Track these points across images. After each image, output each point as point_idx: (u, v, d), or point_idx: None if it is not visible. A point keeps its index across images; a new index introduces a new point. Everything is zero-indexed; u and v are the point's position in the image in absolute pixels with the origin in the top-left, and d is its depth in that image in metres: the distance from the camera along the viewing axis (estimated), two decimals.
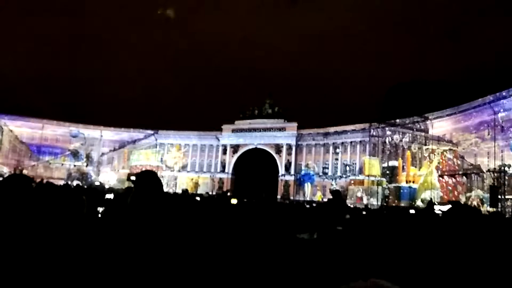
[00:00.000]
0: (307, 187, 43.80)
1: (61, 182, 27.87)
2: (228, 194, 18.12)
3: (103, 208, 4.62)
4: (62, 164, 46.02)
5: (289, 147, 46.83)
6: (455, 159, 32.05)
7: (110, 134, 49.75)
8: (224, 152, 49.76)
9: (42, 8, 54.69)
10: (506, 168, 26.60)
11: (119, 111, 56.87)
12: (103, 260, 2.18)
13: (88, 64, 57.69)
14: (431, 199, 22.44)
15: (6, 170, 38.63)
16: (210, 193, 37.13)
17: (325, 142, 44.82)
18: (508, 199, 24.69)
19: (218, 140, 50.16)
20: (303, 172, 44.94)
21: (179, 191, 26.85)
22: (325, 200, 37.18)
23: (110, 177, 44.64)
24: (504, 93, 29.98)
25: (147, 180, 3.61)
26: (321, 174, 44.04)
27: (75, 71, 58.05)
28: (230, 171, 49.09)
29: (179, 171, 49.82)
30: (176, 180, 48.49)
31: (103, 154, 49.14)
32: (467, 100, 34.23)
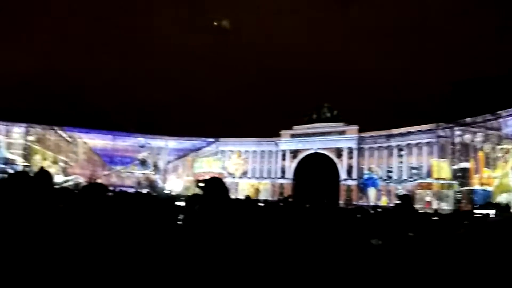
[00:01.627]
0: (371, 191, 42.47)
1: (131, 190, 29.49)
2: (289, 200, 18.09)
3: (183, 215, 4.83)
4: (132, 173, 48.83)
5: (350, 150, 45.75)
6: None
7: (174, 143, 51.84)
8: (284, 157, 49.80)
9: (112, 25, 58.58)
10: None
11: (181, 121, 59.14)
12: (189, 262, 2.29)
13: (149, 76, 60.72)
14: (507, 203, 20.74)
15: (82, 180, 41.74)
16: (271, 198, 37.35)
17: (388, 145, 43.20)
18: None
19: (277, 146, 50.31)
20: (366, 176, 43.63)
21: (240, 197, 27.26)
22: (391, 205, 35.78)
23: (176, 184, 46.58)
24: None
25: (215, 185, 3.73)
26: (385, 178, 42.48)
27: (138, 84, 61.35)
28: (290, 177, 48.97)
29: (240, 177, 50.66)
30: (237, 187, 49.35)
31: (168, 162, 51.33)
32: None
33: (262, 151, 51.60)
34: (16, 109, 44.42)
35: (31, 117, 44.60)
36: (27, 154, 44.22)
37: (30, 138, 44.87)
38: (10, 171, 34.71)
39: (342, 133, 46.55)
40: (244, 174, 51.00)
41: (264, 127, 55.30)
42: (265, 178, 50.33)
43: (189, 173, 49.69)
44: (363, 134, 45.36)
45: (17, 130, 44.74)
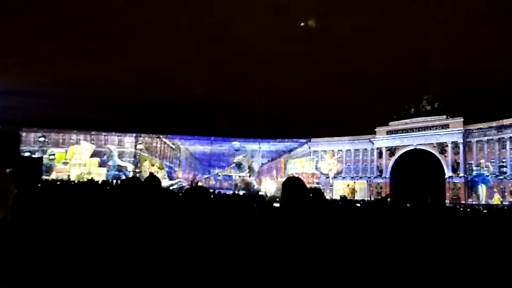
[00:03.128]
0: (481, 189, 38.62)
1: (229, 192, 30.84)
2: (388, 199, 17.30)
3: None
4: (229, 176, 51.05)
5: (455, 145, 42.12)
6: None
7: (267, 146, 52.93)
8: (380, 155, 47.72)
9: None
10: None
11: (273, 123, 60.09)
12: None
13: (239, 81, 62.76)
14: None
15: (185, 183, 44.78)
16: (368, 198, 36.06)
17: (499, 137, 38.90)
18: None
19: (372, 143, 48.41)
20: (475, 173, 39.80)
21: (336, 197, 26.83)
22: (506, 203, 32.09)
23: (270, 185, 47.49)
24: None
25: (292, 185, 3.74)
26: (497, 174, 38.27)
27: (229, 90, 63.79)
28: (388, 175, 46.73)
29: (334, 177, 49.81)
30: (332, 187, 48.58)
31: (262, 164, 52.57)
32: None
33: (357, 149, 50.11)
34: (125, 121, 49.50)
35: (139, 127, 49.31)
36: (137, 161, 48.79)
37: (139, 146, 49.46)
38: (123, 177, 38.75)
39: (445, 126, 43.07)
40: (339, 173, 50.01)
41: (358, 125, 53.57)
42: (361, 177, 48.76)
43: (282, 175, 50.27)
44: (469, 127, 41.48)
45: (128, 140, 49.65)
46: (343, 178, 49.57)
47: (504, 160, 38.33)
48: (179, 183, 45.67)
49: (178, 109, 58.39)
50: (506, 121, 38.39)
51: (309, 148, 51.99)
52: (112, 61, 53.32)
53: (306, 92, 63.41)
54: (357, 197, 41.24)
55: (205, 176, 51.00)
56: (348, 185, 48.26)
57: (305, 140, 52.23)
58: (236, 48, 58.34)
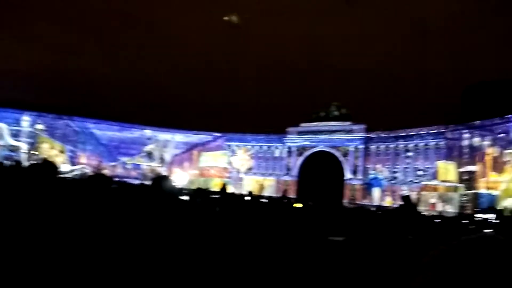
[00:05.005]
0: (376, 192, 42.38)
1: (136, 182, 29.75)
2: (287, 197, 18.16)
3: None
4: (138, 165, 49.16)
5: (357, 150, 45.61)
6: None
7: (181, 137, 52.05)
8: (289, 154, 49.79)
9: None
10: None
11: (189, 114, 59.24)
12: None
13: (156, 67, 60.76)
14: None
15: (88, 170, 42.13)
16: (275, 195, 37.43)
17: (395, 145, 43.00)
18: None
19: (284, 143, 50.29)
20: (371, 177, 43.53)
21: (245, 192, 27.37)
22: (395, 205, 35.67)
23: (181, 178, 46.83)
24: None
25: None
26: (390, 179, 42.34)
27: (143, 75, 61.37)
28: (295, 174, 48.98)
29: (245, 173, 50.77)
30: (243, 182, 49.48)
31: (175, 155, 51.59)
32: None
33: (269, 147, 51.61)
34: (25, 100, 44.93)
35: (41, 107, 45.09)
36: (35, 142, 44.68)
37: (38, 126, 45.31)
38: (16, 157, 35.22)
39: (349, 132, 46.41)
40: (250, 169, 51.08)
41: (272, 123, 55.16)
42: (270, 174, 50.37)
43: (194, 167, 49.91)
44: (370, 134, 45.19)
45: (26, 118, 45.20)
46: (254, 174, 50.74)
47: (397, 167, 42.42)
48: (81, 169, 42.86)
49: (85, 90, 54.57)
50: (402, 132, 42.52)
51: (224, 142, 52.30)
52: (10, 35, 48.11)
53: (226, 86, 63.57)
54: (266, 193, 42.50)
55: (112, 163, 48.51)
56: (258, 181, 49.52)
57: (220, 134, 52.40)
58: (153, 34, 56.38)
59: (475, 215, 20.16)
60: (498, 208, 24.03)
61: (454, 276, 0.61)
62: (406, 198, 9.36)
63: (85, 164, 46.17)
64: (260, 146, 51.90)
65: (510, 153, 31.27)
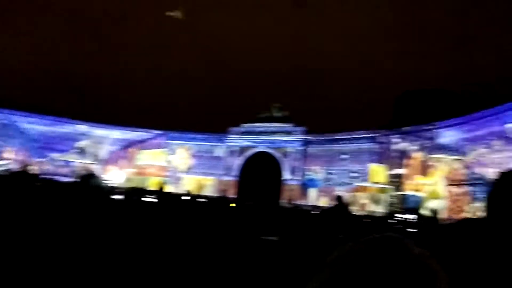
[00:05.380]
0: (312, 192, 43.78)
1: (66, 179, 28.06)
2: (226, 197, 18.20)
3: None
4: (69, 162, 46.49)
5: (296, 151, 46.80)
6: (462, 169, 31.81)
7: (118, 133, 50.10)
8: (231, 154, 49.86)
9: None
10: None
11: (128, 111, 57.23)
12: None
13: (92, 62, 58.08)
14: (435, 209, 22.32)
15: (14, 166, 39.14)
16: (214, 195, 37.29)
17: (332, 148, 44.71)
18: None
19: (225, 142, 50.27)
20: (308, 177, 44.89)
21: (183, 192, 26.95)
22: (329, 205, 37.09)
23: (116, 176, 45.00)
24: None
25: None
26: (326, 180, 43.96)
27: (80, 69, 58.36)
28: (235, 174, 49.16)
29: (185, 172, 50.03)
30: (182, 181, 48.71)
31: (110, 152, 49.51)
32: (475, 110, 33.96)
33: (209, 146, 51.29)
34: None
35: None
36: None
37: None
38: None
39: (289, 133, 47.48)
40: (189, 169, 50.43)
41: (213, 122, 54.93)
42: (211, 174, 50.08)
43: (131, 165, 48.25)
44: (309, 137, 46.57)
45: None
46: (194, 173, 50.16)
47: (333, 169, 44.12)
48: (7, 165, 39.70)
49: (16, 80, 50.76)
50: (339, 135, 44.32)
51: (163, 140, 51.12)
52: None
53: (168, 83, 62.23)
54: (205, 192, 42.19)
55: (40, 159, 45.47)
56: (198, 181, 49.03)
57: (160, 132, 51.14)
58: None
59: (397, 215, 21.62)
60: (419, 209, 25.88)
61: (349, 274, 0.62)
62: (339, 199, 9.77)
63: (12, 159, 42.86)
64: (201, 145, 51.43)
65: (435, 157, 33.80)
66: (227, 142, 50.03)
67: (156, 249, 2.70)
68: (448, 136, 35.97)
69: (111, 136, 49.73)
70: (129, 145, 50.10)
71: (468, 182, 30.72)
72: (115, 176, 44.23)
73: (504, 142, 29.72)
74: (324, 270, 0.67)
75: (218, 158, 50.56)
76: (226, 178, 49.03)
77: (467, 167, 32.27)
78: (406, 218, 14.15)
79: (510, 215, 1.00)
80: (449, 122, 36.02)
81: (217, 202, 12.21)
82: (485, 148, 32.11)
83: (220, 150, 50.61)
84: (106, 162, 48.67)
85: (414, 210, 21.71)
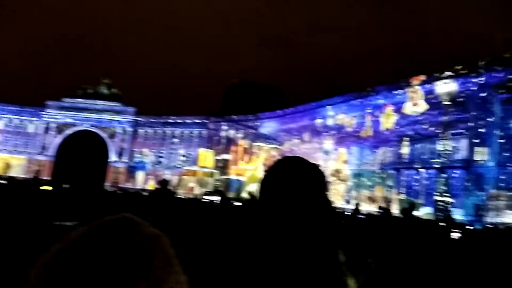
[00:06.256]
0: (140, 175, 42.67)
1: None
2: (38, 178, 16.27)
3: None
4: None
5: (125, 132, 44.66)
6: (278, 156, 35.66)
7: None
8: (47, 131, 44.30)
9: None
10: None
11: None
12: None
13: None
14: (252, 192, 24.41)
15: None
16: (24, 176, 32.77)
17: (163, 131, 44.21)
18: None
19: (41, 117, 44.35)
20: (137, 160, 43.51)
21: None
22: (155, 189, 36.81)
23: None
24: (324, 102, 34.58)
25: None
26: (156, 163, 43.38)
27: None
28: (52, 154, 44.01)
29: None
30: None
31: None
32: (293, 105, 38.47)
33: (22, 121, 44.56)
34: None
35: None
36: None
37: None
38: None
39: (118, 113, 44.91)
40: None
41: (29, 94, 47.89)
42: (21, 152, 43.64)
43: None
44: (140, 118, 44.98)
45: None
46: (0, 151, 42.97)
47: (163, 152, 43.75)
48: None
49: None
50: (171, 119, 44.06)
51: None
52: None
53: None
54: (13, 173, 36.78)
55: None
56: (3, 159, 42.23)
57: None
58: None
59: (204, 197, 23.03)
60: (221, 191, 27.80)
61: (68, 262, 0.57)
62: (163, 182, 9.67)
63: None
64: (11, 119, 44.22)
65: (257, 145, 36.96)
66: (44, 118, 44.15)
67: None
68: (268, 126, 39.73)
69: None
70: None
71: None
72: None
73: (312, 135, 34.49)
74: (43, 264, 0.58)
75: (31, 134, 44.27)
76: (40, 157, 43.37)
77: (282, 155, 36.32)
78: (212, 200, 15.22)
79: (277, 200, 1.07)
80: (270, 114, 39.83)
81: (24, 185, 10.76)
82: (297, 139, 36.66)
83: (34, 125, 44.37)
84: None
85: (217, 192, 23.23)
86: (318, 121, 34.54)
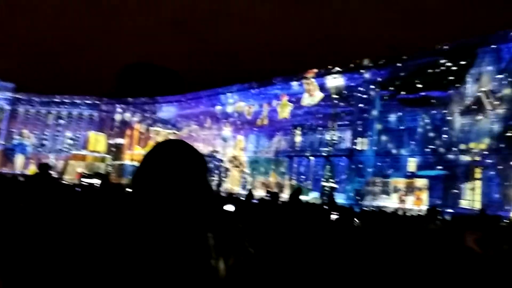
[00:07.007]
0: (19, 159, 38.47)
1: None
2: None
3: None
4: None
5: (1, 111, 39.76)
6: None
7: None
8: None
9: None
10: (215, 154, 31.17)
11: None
12: None
13: None
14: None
15: None
16: None
17: (47, 111, 40.23)
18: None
19: None
20: (15, 142, 39.10)
21: None
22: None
23: None
24: (225, 89, 34.70)
25: None
26: (37, 146, 39.39)
27: None
28: None
29: None
30: None
31: None
32: (193, 90, 37.96)
33: None
34: None
35: None
36: None
37: None
38: None
39: None
40: None
41: None
42: None
43: None
44: (19, 95, 40.29)
45: None
46: None
47: (47, 134, 39.87)
48: None
49: None
50: (57, 98, 40.21)
51: None
52: None
53: None
54: None
55: None
56: None
57: None
58: None
59: (82, 180, 21.90)
60: (103, 174, 26.44)
61: None
62: (42, 166, 8.79)
63: None
64: None
65: (154, 130, 35.75)
66: None
67: None
68: (167, 111, 38.66)
69: None
70: None
71: None
72: None
73: (212, 121, 34.52)
74: None
75: None
76: None
77: None
78: (91, 183, 14.58)
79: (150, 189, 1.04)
80: (169, 99, 38.76)
81: None
82: (196, 125, 36.35)
83: None
84: None
85: (97, 175, 22.07)
86: (218, 108, 34.67)
